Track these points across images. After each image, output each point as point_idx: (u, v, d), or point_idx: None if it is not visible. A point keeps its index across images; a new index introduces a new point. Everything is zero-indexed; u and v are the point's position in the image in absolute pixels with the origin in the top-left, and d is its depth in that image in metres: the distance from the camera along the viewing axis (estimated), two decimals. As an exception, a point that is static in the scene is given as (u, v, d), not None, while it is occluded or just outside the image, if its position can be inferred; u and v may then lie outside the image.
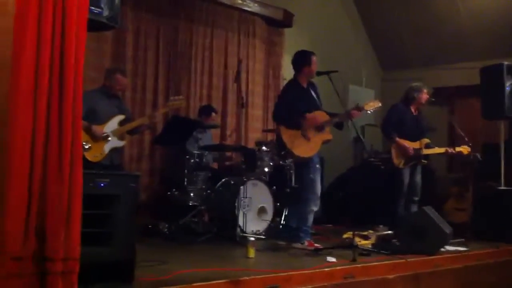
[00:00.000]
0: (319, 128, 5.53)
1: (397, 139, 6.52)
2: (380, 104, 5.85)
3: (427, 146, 6.64)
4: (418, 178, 6.69)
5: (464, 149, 6.58)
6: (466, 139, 6.65)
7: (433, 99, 6.83)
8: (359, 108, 5.61)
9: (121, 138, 5.62)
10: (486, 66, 7.31)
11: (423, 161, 6.62)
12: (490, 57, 8.06)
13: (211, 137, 7.23)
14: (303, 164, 5.57)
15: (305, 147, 5.45)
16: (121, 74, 5.81)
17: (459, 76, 9.51)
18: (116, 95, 5.80)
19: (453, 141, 9.22)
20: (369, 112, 5.79)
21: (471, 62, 8.84)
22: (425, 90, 6.70)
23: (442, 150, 6.74)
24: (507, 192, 6.85)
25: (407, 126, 6.63)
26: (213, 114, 7.09)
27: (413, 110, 6.75)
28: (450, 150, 6.66)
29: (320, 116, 5.57)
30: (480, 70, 7.35)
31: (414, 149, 6.54)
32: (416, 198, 6.66)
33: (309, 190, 5.49)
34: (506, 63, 7.06)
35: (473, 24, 9.34)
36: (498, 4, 8.76)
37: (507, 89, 6.98)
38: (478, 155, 6.66)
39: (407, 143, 6.53)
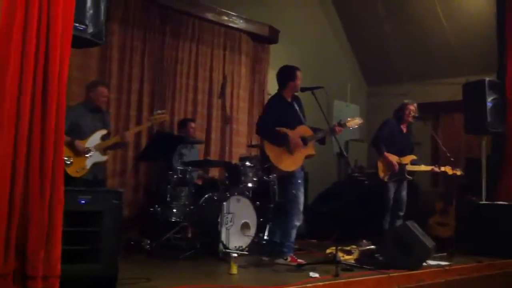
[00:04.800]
0: (303, 142, 5.55)
1: (386, 154, 6.58)
2: (361, 122, 5.94)
3: (414, 163, 6.70)
4: (404, 193, 6.73)
5: (449, 170, 6.63)
6: (448, 154, 6.70)
7: (416, 115, 6.89)
8: (342, 125, 5.68)
9: (103, 153, 5.60)
10: (469, 82, 7.41)
11: (408, 177, 6.67)
12: (474, 73, 8.17)
13: (197, 153, 7.23)
14: (285, 179, 5.59)
15: (288, 161, 5.46)
16: (103, 86, 5.80)
17: (443, 92, 9.62)
18: (99, 109, 5.77)
19: (437, 156, 9.32)
20: (351, 128, 5.87)
21: (455, 78, 8.95)
22: (410, 107, 6.76)
23: (428, 168, 6.78)
24: (489, 207, 6.91)
25: (396, 142, 6.68)
26: (190, 123, 7.10)
27: (403, 126, 6.81)
28: (436, 168, 6.71)
29: (304, 131, 5.60)
30: (462, 86, 7.45)
31: (399, 164, 6.59)
32: (401, 213, 6.69)
33: (292, 205, 5.50)
34: (487, 79, 7.16)
35: (457, 41, 9.47)
36: (481, 21, 8.88)
37: (489, 104, 7.08)
38: (461, 172, 6.70)
39: (394, 158, 6.58)
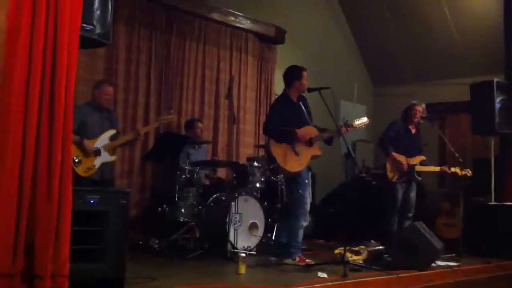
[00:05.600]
0: (309, 143, 5.54)
1: (393, 153, 6.56)
2: (368, 121, 5.94)
3: (422, 164, 6.67)
4: (413, 194, 6.72)
5: (459, 171, 6.60)
6: (456, 154, 6.68)
7: (424, 115, 6.86)
8: (348, 125, 5.68)
9: (112, 153, 5.61)
10: (476, 82, 7.38)
11: (417, 177, 6.64)
12: (481, 74, 8.14)
13: (205, 153, 7.23)
14: (292, 180, 5.58)
15: (294, 161, 5.46)
16: (108, 85, 5.82)
17: (450, 92, 9.59)
18: (106, 108, 5.78)
19: (444, 156, 9.29)
20: (357, 128, 5.87)
21: (462, 79, 8.91)
22: (417, 108, 6.74)
23: (437, 168, 6.78)
24: (498, 208, 6.88)
25: (403, 142, 6.68)
26: (197, 123, 7.10)
27: (411, 127, 6.79)
28: (446, 169, 6.69)
29: (310, 131, 5.58)
30: (470, 86, 7.41)
31: (408, 164, 6.57)
32: (410, 214, 6.68)
33: (299, 206, 5.49)
34: (496, 79, 7.13)
35: (464, 41, 9.44)
36: (488, 22, 8.86)
37: (497, 105, 7.05)
38: (471, 173, 6.67)
39: (402, 158, 6.56)
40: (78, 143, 5.24)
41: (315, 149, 5.62)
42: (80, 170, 5.27)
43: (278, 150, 5.45)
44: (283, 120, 5.49)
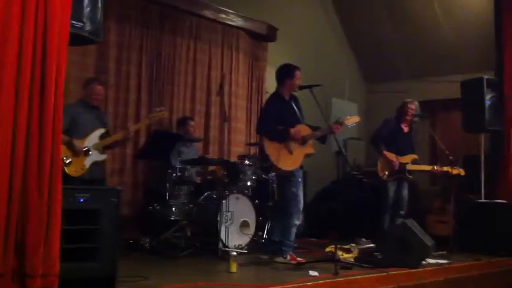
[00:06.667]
0: (302, 141, 5.54)
1: (385, 152, 6.57)
2: (359, 119, 5.94)
3: (414, 162, 6.68)
4: (405, 192, 6.72)
5: (451, 170, 6.61)
6: (447, 152, 6.70)
7: (417, 113, 6.84)
8: (340, 123, 5.66)
9: (102, 152, 5.57)
10: (467, 79, 7.40)
11: (408, 176, 6.65)
12: (472, 71, 8.18)
13: (196, 151, 7.21)
14: (285, 178, 5.57)
15: (288, 160, 5.45)
16: (98, 83, 5.77)
17: (441, 89, 9.62)
18: (96, 106, 5.75)
19: (435, 154, 9.31)
20: (349, 126, 5.87)
21: (453, 76, 8.95)
22: (409, 106, 6.75)
23: (428, 167, 6.77)
24: (488, 205, 6.91)
25: (396, 141, 6.67)
26: (190, 122, 7.09)
27: (403, 125, 6.80)
28: (437, 168, 6.69)
29: (302, 130, 5.58)
30: (460, 83, 7.44)
31: (399, 163, 6.58)
32: (402, 212, 6.68)
33: (291, 204, 5.48)
34: (486, 76, 7.15)
35: (455, 38, 9.48)
36: (479, 19, 8.89)
37: (487, 102, 7.07)
38: (462, 172, 6.68)
39: (393, 157, 6.57)
40: (67, 143, 5.18)
41: (309, 147, 5.62)
42: (70, 171, 5.21)
43: (272, 149, 5.43)
44: (276, 119, 5.48)
